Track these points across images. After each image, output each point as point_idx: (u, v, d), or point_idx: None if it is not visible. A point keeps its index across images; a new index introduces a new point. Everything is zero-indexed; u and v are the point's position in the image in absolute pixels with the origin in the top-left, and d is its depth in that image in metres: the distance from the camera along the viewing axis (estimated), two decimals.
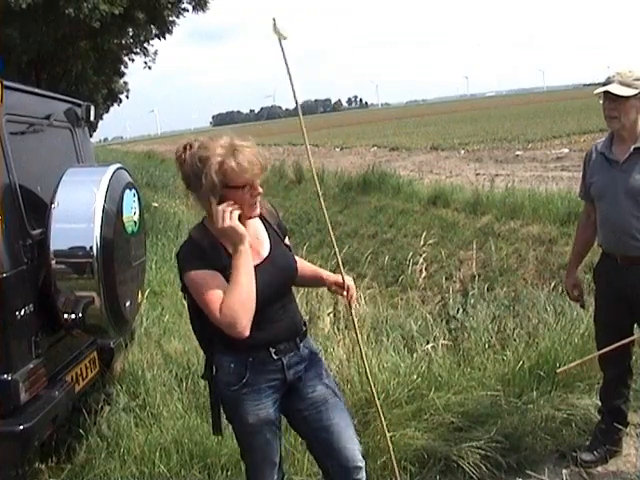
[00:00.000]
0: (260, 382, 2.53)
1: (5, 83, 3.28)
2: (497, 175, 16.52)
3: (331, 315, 6.24)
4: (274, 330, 2.53)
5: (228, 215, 2.30)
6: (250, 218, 2.45)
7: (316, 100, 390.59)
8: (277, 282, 2.51)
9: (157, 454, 3.67)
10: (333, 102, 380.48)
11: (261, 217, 2.56)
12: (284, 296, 2.59)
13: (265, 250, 2.53)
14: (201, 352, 4.99)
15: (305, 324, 2.72)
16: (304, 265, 2.85)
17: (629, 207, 3.33)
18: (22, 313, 3.20)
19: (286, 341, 2.57)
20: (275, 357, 2.53)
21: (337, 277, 2.79)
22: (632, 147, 3.34)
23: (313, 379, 2.65)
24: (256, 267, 2.40)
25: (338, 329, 5.74)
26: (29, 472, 3.41)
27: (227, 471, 3.60)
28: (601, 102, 3.39)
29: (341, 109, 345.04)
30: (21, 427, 3.05)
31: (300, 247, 11.62)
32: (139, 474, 3.57)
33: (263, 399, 2.55)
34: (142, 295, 4.32)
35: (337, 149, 34.62)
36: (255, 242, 2.50)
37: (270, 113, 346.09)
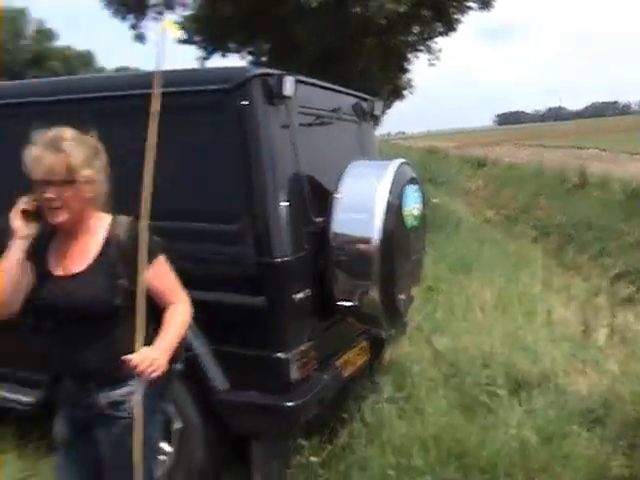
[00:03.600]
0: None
1: (297, 77, 3.43)
2: None
3: None
4: (51, 354, 2.43)
5: (17, 206, 2.24)
6: (54, 223, 2.26)
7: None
8: (53, 302, 2.28)
9: (416, 447, 3.66)
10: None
11: (111, 239, 2.33)
12: (62, 324, 2.31)
13: (73, 268, 2.31)
14: (471, 352, 4.93)
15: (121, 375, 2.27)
16: (166, 319, 2.35)
17: None
18: (299, 296, 3.34)
19: (66, 373, 2.41)
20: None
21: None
22: None
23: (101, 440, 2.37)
24: (53, 277, 2.31)
25: None
26: (292, 446, 3.63)
27: (484, 474, 3.50)
28: None
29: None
30: (289, 404, 3.21)
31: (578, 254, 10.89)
32: (396, 465, 3.57)
33: (60, 415, 2.49)
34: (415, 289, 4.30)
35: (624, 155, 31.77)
36: (66, 255, 2.33)
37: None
